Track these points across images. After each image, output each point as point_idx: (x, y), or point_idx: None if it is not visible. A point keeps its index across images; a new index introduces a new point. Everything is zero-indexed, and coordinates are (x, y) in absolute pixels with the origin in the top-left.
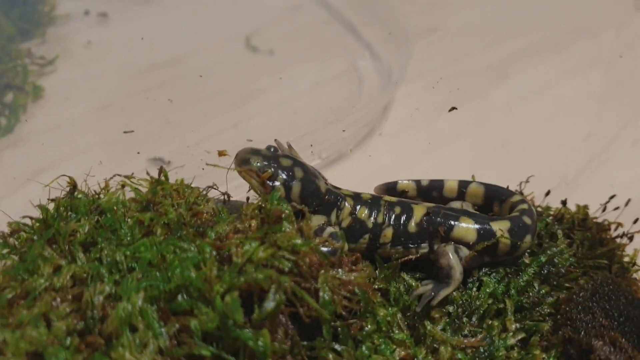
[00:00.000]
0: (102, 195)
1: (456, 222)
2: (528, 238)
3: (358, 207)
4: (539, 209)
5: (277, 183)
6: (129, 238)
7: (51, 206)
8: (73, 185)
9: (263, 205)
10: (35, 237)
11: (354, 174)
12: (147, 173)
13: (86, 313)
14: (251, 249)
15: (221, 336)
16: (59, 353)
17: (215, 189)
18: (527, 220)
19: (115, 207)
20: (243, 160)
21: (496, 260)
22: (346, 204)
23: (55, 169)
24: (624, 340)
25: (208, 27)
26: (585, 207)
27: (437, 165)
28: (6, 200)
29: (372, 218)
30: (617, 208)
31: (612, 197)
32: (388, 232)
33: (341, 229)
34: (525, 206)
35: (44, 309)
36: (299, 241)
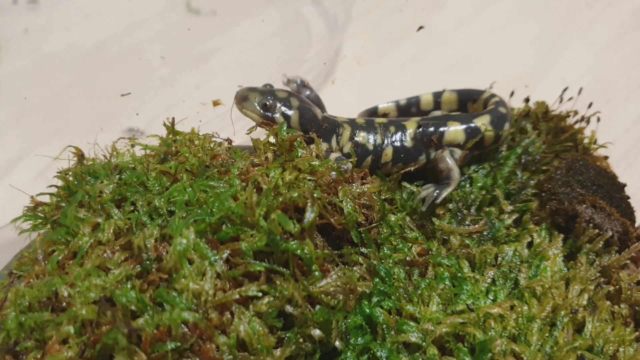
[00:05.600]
0: (113, 158)
1: (445, 128)
2: (507, 126)
3: (357, 132)
4: None
5: (276, 114)
6: (157, 187)
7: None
8: (80, 154)
9: (274, 138)
10: (63, 204)
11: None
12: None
13: (140, 257)
14: (277, 175)
15: (270, 252)
16: (127, 293)
17: (217, 136)
18: (502, 110)
19: (134, 164)
20: (243, 99)
21: (482, 152)
22: (344, 130)
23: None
24: (602, 201)
25: None
26: (543, 103)
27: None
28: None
29: (371, 140)
30: (571, 98)
31: (565, 89)
32: (389, 152)
33: (343, 154)
34: (497, 99)
35: (97, 262)
36: (316, 162)
